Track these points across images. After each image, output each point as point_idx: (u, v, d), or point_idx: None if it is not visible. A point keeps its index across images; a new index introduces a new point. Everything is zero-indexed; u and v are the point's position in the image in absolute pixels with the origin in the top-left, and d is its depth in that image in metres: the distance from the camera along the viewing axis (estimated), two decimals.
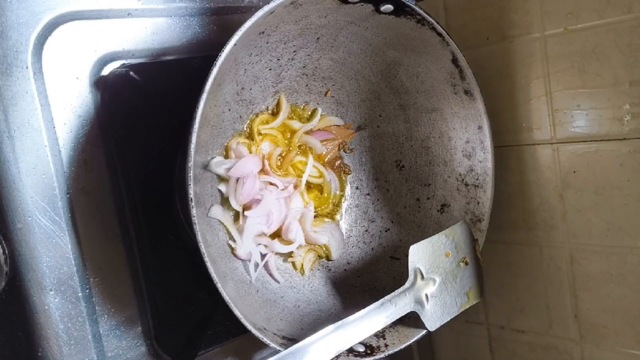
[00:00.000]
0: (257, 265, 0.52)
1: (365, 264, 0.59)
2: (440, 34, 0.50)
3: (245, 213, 0.51)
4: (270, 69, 0.52)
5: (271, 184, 0.53)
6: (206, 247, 0.40)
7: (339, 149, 0.61)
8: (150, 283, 0.49)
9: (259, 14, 0.41)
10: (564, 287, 0.59)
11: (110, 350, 0.47)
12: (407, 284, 0.49)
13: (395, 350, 0.49)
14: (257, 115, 0.54)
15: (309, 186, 0.58)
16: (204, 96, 0.39)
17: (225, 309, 0.41)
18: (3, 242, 0.44)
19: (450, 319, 0.51)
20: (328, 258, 0.59)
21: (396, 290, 0.48)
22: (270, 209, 0.52)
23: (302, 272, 0.57)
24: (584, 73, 0.54)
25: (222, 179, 0.51)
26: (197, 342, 0.51)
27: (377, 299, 0.56)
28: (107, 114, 0.47)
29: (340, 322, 0.44)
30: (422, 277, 0.50)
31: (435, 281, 0.50)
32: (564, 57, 0.55)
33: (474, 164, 0.56)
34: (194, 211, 0.39)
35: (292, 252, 0.55)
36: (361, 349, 0.48)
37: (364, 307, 0.55)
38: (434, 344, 0.75)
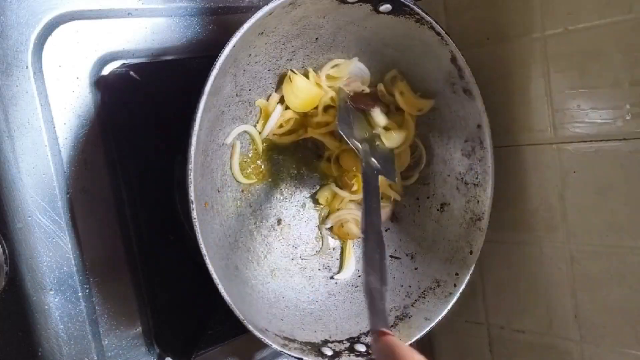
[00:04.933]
0: None
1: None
2: (438, 33, 0.50)
3: None
4: (269, 70, 0.52)
5: None
6: (207, 248, 0.40)
7: None
8: (150, 283, 0.49)
9: (258, 15, 0.41)
10: (564, 287, 0.59)
11: (110, 350, 0.47)
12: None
13: None
14: None
15: None
16: (204, 98, 0.39)
17: (225, 309, 0.41)
18: (3, 242, 0.44)
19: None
20: None
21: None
22: None
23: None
24: (584, 73, 0.54)
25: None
26: (197, 342, 0.51)
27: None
28: (107, 114, 0.47)
29: None
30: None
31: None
32: (564, 57, 0.55)
33: (474, 163, 0.56)
34: (194, 213, 0.39)
35: None
36: (362, 348, 0.49)
37: (363, 307, 0.56)
38: (434, 344, 0.74)
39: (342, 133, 0.50)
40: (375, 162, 0.52)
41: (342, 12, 0.49)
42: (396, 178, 0.57)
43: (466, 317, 0.69)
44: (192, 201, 0.39)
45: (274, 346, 0.43)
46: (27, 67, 0.43)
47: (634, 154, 0.52)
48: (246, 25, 0.41)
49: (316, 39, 0.53)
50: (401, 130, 0.57)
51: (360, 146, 0.52)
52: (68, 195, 0.45)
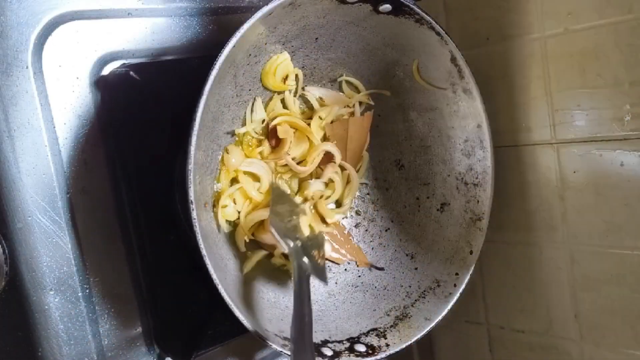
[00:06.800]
0: None
1: None
2: (438, 33, 0.50)
3: None
4: None
5: None
6: (206, 249, 0.40)
7: None
8: (150, 283, 0.49)
9: (258, 15, 0.41)
10: (564, 287, 0.59)
11: (110, 350, 0.47)
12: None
13: (396, 350, 0.49)
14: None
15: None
16: (204, 98, 0.39)
17: (225, 309, 0.41)
18: (3, 242, 0.44)
19: None
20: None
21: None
22: None
23: None
24: (584, 73, 0.54)
25: None
26: (197, 342, 0.51)
27: (378, 298, 0.56)
28: (107, 114, 0.47)
29: None
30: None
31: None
32: (564, 57, 0.55)
33: (473, 163, 0.56)
34: (194, 214, 0.39)
35: None
36: (362, 348, 0.49)
37: (364, 307, 0.56)
38: (434, 344, 0.74)
39: (272, 228, 0.47)
40: (308, 262, 0.47)
41: (342, 12, 0.49)
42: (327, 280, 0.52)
43: (466, 317, 0.69)
44: (191, 202, 0.39)
45: (274, 346, 0.43)
46: (27, 67, 0.43)
47: (634, 154, 0.52)
48: (246, 26, 0.41)
49: (316, 39, 0.53)
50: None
51: (292, 245, 0.47)
52: (68, 195, 0.45)
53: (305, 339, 0.40)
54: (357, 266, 0.58)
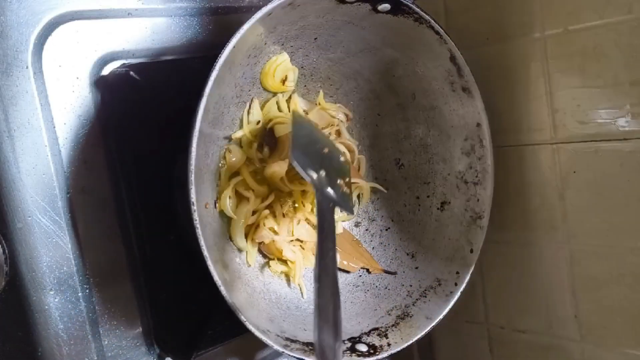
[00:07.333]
0: None
1: None
2: (437, 32, 0.50)
3: None
4: None
5: None
6: (208, 250, 0.39)
7: None
8: (150, 283, 0.49)
9: (258, 15, 0.41)
10: (564, 287, 0.59)
11: (110, 350, 0.47)
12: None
13: (398, 349, 0.49)
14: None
15: None
16: (204, 100, 0.39)
17: (225, 309, 0.41)
18: (3, 242, 0.44)
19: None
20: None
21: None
22: None
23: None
24: (584, 73, 0.54)
25: None
26: (197, 342, 0.51)
27: (379, 298, 0.56)
28: (107, 114, 0.47)
29: None
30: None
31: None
32: (564, 57, 0.55)
33: (473, 161, 0.56)
34: (195, 215, 0.39)
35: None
36: (364, 348, 0.48)
37: (365, 306, 0.56)
38: (434, 344, 0.74)
39: (294, 161, 0.43)
40: (332, 192, 0.44)
41: (341, 12, 0.49)
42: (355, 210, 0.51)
43: (466, 317, 0.69)
44: (193, 202, 0.38)
45: (276, 347, 0.43)
46: (27, 67, 0.43)
47: (634, 154, 0.52)
48: (245, 26, 0.41)
49: (315, 39, 0.53)
50: None
51: (315, 176, 0.43)
52: (68, 195, 0.45)
53: (329, 273, 0.38)
54: (370, 273, 0.58)
